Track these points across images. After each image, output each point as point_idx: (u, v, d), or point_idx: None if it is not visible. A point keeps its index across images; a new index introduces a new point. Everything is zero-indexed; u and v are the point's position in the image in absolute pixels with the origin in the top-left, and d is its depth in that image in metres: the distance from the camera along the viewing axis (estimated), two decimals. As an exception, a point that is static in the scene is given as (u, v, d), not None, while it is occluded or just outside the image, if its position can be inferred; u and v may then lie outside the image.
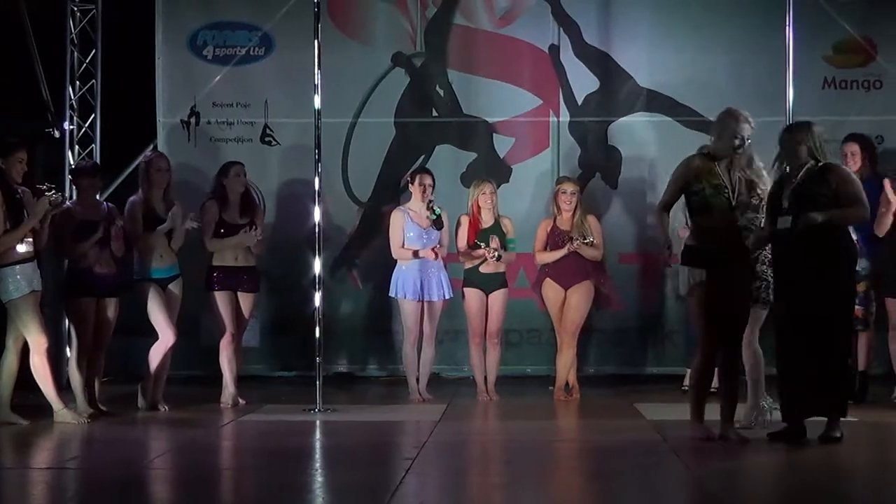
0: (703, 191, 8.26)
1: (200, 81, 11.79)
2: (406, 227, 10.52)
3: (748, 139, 8.29)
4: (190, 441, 8.79)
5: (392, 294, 10.60)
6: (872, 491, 7.15)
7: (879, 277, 10.08)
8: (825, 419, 8.24)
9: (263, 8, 11.74)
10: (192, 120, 11.82)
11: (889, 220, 9.91)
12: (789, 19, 9.79)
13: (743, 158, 8.32)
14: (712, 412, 8.41)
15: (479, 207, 10.56)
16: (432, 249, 10.43)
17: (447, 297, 10.57)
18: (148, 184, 9.97)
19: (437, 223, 10.49)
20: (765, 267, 8.61)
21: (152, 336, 9.90)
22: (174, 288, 9.95)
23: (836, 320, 8.20)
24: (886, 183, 9.86)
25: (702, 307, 8.27)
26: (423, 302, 10.50)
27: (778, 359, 8.32)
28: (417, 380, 10.57)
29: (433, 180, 10.64)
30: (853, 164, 10.05)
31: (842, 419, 8.25)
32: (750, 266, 8.44)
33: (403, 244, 10.53)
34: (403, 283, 10.48)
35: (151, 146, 11.52)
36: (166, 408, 9.92)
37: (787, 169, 8.35)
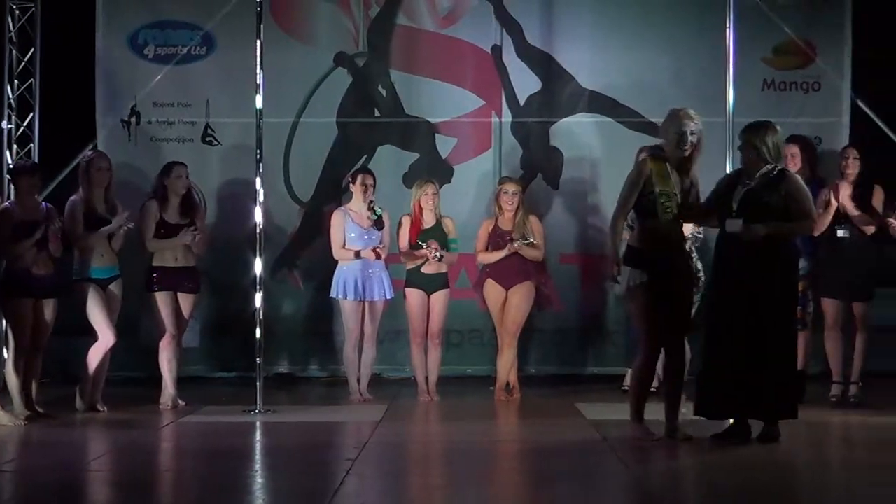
0: (652, 194, 8.27)
1: (141, 80, 11.71)
2: (347, 228, 10.50)
3: (694, 136, 8.31)
4: (129, 443, 8.74)
5: (333, 295, 10.58)
6: (811, 490, 7.22)
7: (816, 277, 10.17)
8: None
9: (205, 7, 11.67)
10: (133, 119, 11.74)
11: (827, 221, 10.00)
12: (730, 21, 9.84)
13: (695, 161, 8.35)
14: (655, 413, 8.47)
15: (421, 208, 10.56)
16: (373, 250, 10.41)
17: (388, 297, 10.56)
18: (88, 183, 9.90)
19: (378, 223, 10.48)
20: None
21: (91, 337, 9.83)
22: (114, 288, 9.88)
23: (779, 323, 8.24)
24: (835, 187, 9.92)
25: (644, 309, 8.30)
26: (363, 302, 10.48)
27: (706, 356, 8.35)
28: (358, 380, 10.56)
29: (374, 180, 10.63)
30: (793, 165, 10.12)
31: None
32: (692, 270, 8.47)
33: (344, 244, 10.51)
34: (344, 284, 10.46)
35: (91, 145, 11.41)
36: (105, 409, 9.85)
37: (742, 169, 8.40)
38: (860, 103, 11.70)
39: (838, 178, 10.19)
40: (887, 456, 8.08)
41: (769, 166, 8.28)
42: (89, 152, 10.55)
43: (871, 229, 9.95)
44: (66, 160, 11.41)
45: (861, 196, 9.95)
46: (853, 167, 10.08)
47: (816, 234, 10.03)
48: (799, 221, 8.31)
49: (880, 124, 11.65)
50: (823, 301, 10.13)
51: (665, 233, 8.31)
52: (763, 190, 8.27)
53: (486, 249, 10.59)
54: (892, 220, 9.87)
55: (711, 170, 8.83)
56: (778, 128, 8.43)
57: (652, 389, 9.42)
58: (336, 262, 10.56)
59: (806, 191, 8.40)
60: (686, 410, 8.53)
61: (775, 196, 8.23)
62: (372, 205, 10.48)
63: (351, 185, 10.69)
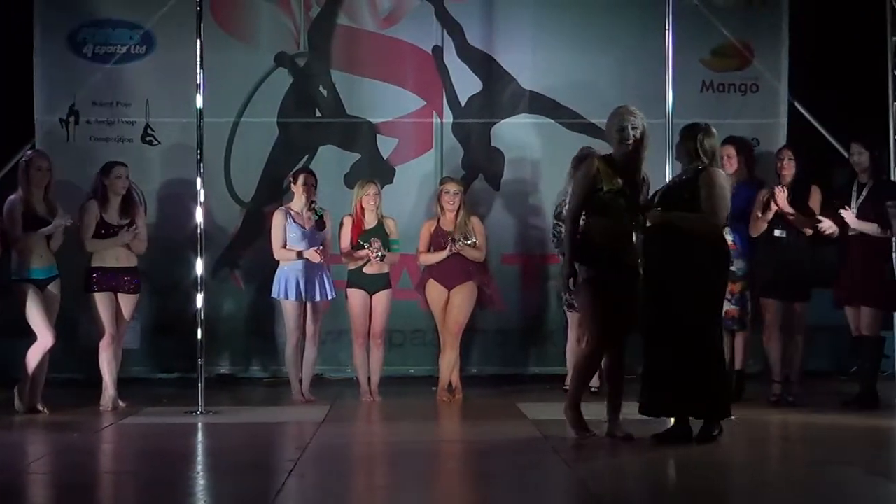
0: (601, 191, 8.31)
1: (80, 80, 11.63)
2: (288, 228, 10.48)
3: (636, 130, 8.35)
4: (69, 445, 8.67)
5: (274, 295, 10.56)
6: (750, 488, 7.28)
7: (754, 278, 10.27)
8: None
9: (144, 6, 11.59)
10: (72, 119, 11.65)
11: (764, 224, 10.10)
12: (669, 23, 9.92)
13: (640, 159, 8.40)
14: (596, 412, 8.52)
15: (362, 208, 10.55)
16: (316, 251, 10.39)
17: (330, 297, 10.55)
18: (27, 183, 9.82)
19: (320, 224, 10.47)
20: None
21: (30, 338, 9.74)
22: (53, 289, 9.81)
23: (703, 324, 8.28)
24: (772, 191, 10.01)
25: (592, 304, 8.34)
26: (305, 303, 10.47)
27: (644, 356, 8.41)
28: (300, 381, 10.54)
29: (316, 180, 10.61)
30: (730, 166, 10.23)
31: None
32: (639, 268, 8.51)
33: (285, 245, 10.49)
34: (286, 284, 10.43)
35: (30, 145, 11.33)
36: (45, 411, 9.77)
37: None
38: (797, 105, 11.83)
39: (775, 179, 10.29)
40: (824, 453, 8.18)
41: (696, 164, 8.36)
42: (28, 152, 10.47)
43: (809, 231, 10.06)
44: (4, 160, 11.31)
45: (798, 198, 10.04)
46: (788, 168, 10.17)
47: (755, 235, 10.16)
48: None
49: (817, 126, 11.78)
50: (762, 301, 10.23)
51: (613, 229, 8.35)
52: (680, 186, 8.37)
53: (429, 250, 10.61)
54: (821, 222, 9.98)
55: (651, 170, 8.89)
56: (714, 130, 8.49)
57: (593, 389, 9.51)
58: (278, 263, 10.54)
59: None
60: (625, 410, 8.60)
61: (687, 192, 8.29)
62: (313, 205, 10.46)
63: (292, 185, 10.67)
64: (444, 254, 10.47)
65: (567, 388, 10.33)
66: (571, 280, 8.38)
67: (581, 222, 8.44)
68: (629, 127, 8.36)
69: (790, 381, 10.18)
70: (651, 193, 8.50)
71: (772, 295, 10.17)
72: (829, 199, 10.14)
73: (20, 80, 11.60)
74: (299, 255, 10.39)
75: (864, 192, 10.02)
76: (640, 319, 8.40)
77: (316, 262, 10.39)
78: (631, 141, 8.36)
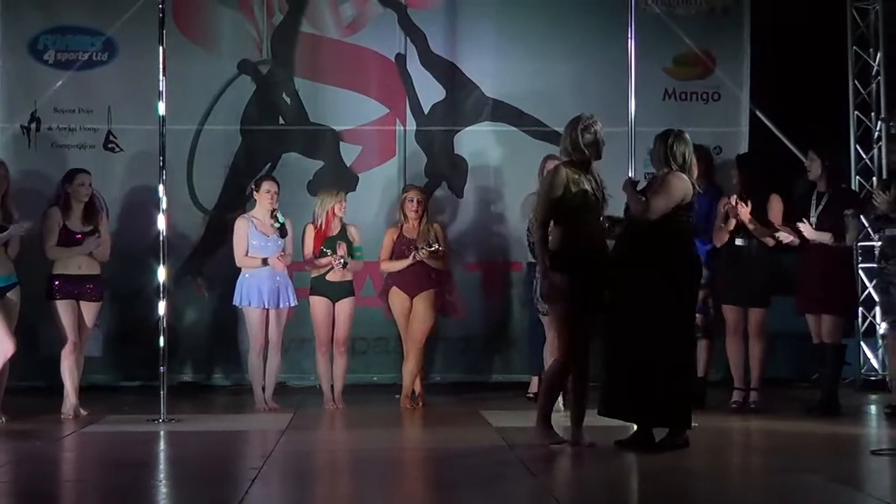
0: (573, 198, 8.29)
1: (41, 86, 11.57)
2: (251, 236, 10.45)
3: (595, 134, 8.38)
4: (29, 453, 8.60)
5: (236, 302, 10.52)
6: (711, 495, 7.31)
7: (716, 286, 10.31)
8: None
9: (106, 12, 11.55)
10: (33, 125, 11.59)
11: (727, 234, 10.16)
12: (631, 31, 9.96)
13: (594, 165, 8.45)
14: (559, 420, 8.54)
15: (333, 215, 10.49)
16: (279, 258, 10.36)
17: (292, 304, 10.53)
18: (-17, 191, 9.78)
19: (282, 231, 10.44)
20: None
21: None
22: (12, 296, 9.74)
23: (669, 331, 8.28)
24: (739, 205, 10.06)
25: (566, 314, 8.31)
26: (267, 310, 10.44)
27: (606, 359, 8.41)
28: (263, 388, 10.51)
29: (279, 187, 10.58)
30: (691, 174, 10.26)
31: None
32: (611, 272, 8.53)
33: (248, 252, 10.46)
34: (248, 291, 10.41)
35: (-10, 152, 11.29)
36: (4, 419, 9.70)
37: None
38: (759, 113, 11.90)
39: (733, 187, 10.36)
40: (787, 461, 8.22)
41: (665, 170, 8.40)
42: (-16, 159, 10.41)
43: (770, 241, 10.12)
44: (-36, 167, 11.22)
45: (759, 207, 10.10)
46: (735, 176, 10.28)
47: (719, 245, 10.20)
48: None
49: (778, 134, 11.85)
50: (724, 308, 10.28)
51: (589, 234, 8.36)
52: (644, 189, 8.42)
53: (391, 257, 10.60)
54: (780, 233, 10.04)
55: (614, 178, 8.92)
56: (686, 136, 8.52)
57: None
58: (240, 270, 10.51)
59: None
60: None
61: (648, 194, 8.37)
62: (275, 212, 10.44)
63: (255, 192, 10.64)
64: (406, 262, 10.47)
65: (530, 395, 10.36)
66: (549, 286, 8.35)
67: (551, 230, 8.42)
68: (597, 131, 8.39)
69: (752, 389, 10.23)
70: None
71: (733, 301, 10.23)
72: (791, 208, 10.20)
73: (-19, 87, 11.55)
74: (264, 262, 10.36)
75: (823, 201, 10.09)
76: (606, 323, 8.41)
77: (280, 269, 10.37)
78: (593, 146, 8.38)
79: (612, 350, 8.38)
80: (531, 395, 10.57)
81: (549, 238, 8.37)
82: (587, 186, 8.32)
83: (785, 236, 10.03)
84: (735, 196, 10.14)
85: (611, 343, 8.39)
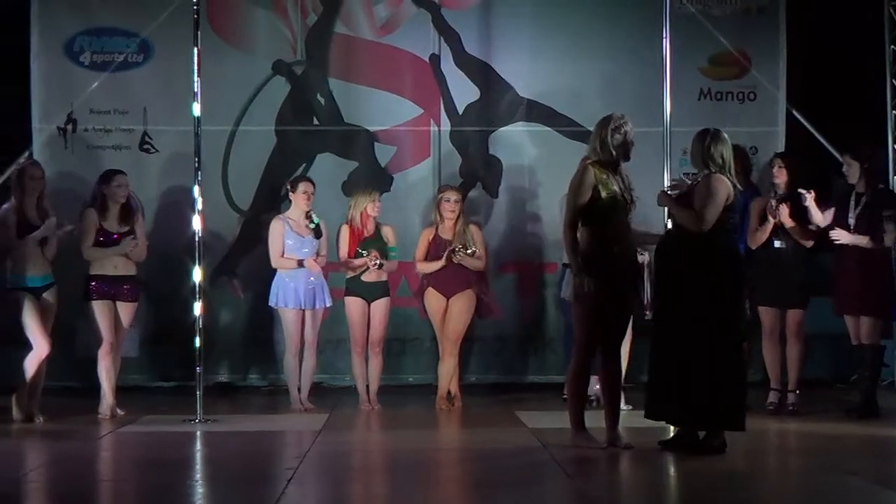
0: (602, 200, 8.26)
1: (77, 88, 11.62)
2: (286, 236, 10.47)
3: (625, 135, 8.35)
4: (67, 453, 8.65)
5: (272, 303, 10.54)
6: (750, 498, 7.27)
7: (753, 287, 10.25)
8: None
9: (142, 14, 11.59)
10: (69, 127, 11.64)
11: (764, 236, 10.10)
12: (666, 31, 9.93)
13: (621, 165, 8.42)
14: (596, 420, 8.52)
15: (367, 216, 10.50)
16: (315, 260, 10.37)
17: (327, 305, 10.54)
18: (21, 191, 9.82)
19: (317, 232, 10.45)
20: None
21: (26, 346, 9.72)
22: (49, 296, 9.79)
23: (723, 333, 8.23)
24: (781, 207, 10.01)
25: (589, 316, 8.28)
26: (303, 311, 10.45)
27: (652, 362, 8.38)
28: (299, 389, 10.52)
29: (314, 188, 10.59)
30: (726, 174, 10.20)
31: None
32: (639, 274, 8.50)
33: (283, 253, 10.47)
34: (284, 292, 10.42)
35: (27, 153, 11.34)
36: (42, 419, 9.75)
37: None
38: (795, 113, 11.84)
39: (769, 187, 10.31)
40: (822, 462, 8.18)
41: (705, 171, 8.35)
42: (23, 161, 10.47)
43: (809, 243, 10.06)
44: (1, 169, 11.29)
45: (798, 209, 10.04)
46: (780, 175, 10.19)
47: (754, 247, 10.14)
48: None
49: (815, 133, 11.79)
50: (761, 310, 10.23)
51: (616, 235, 8.32)
52: (690, 192, 8.37)
53: (426, 258, 10.59)
54: (833, 232, 9.98)
55: (649, 178, 8.89)
56: (724, 136, 8.44)
57: (591, 397, 9.47)
58: (275, 271, 10.52)
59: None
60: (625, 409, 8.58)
61: (692, 193, 8.33)
62: (310, 213, 10.45)
63: (290, 193, 10.65)
64: (440, 262, 10.45)
65: (566, 396, 10.33)
66: (577, 286, 8.33)
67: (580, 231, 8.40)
68: (629, 133, 8.36)
69: (789, 391, 10.17)
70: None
71: (769, 303, 10.18)
72: (828, 208, 10.12)
73: (18, 88, 11.59)
74: (299, 263, 10.37)
75: (862, 203, 10.02)
76: (652, 326, 8.37)
77: (315, 271, 10.38)
78: (631, 148, 8.36)
79: (659, 353, 8.32)
80: (567, 396, 10.52)
81: (578, 239, 8.35)
82: (615, 187, 8.28)
83: (837, 234, 9.93)
84: (776, 198, 10.06)
85: (657, 346, 8.34)
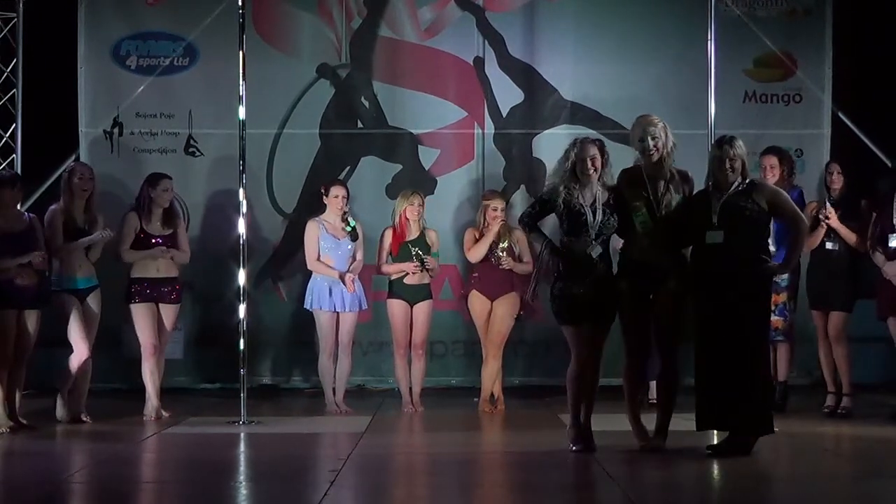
0: (626, 206, 8.35)
1: (124, 91, 11.69)
2: (321, 238, 10.48)
3: (657, 141, 8.33)
4: (112, 454, 8.70)
5: (307, 306, 10.55)
6: (795, 501, 7.23)
7: (797, 289, 10.19)
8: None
9: (187, 18, 11.65)
10: (116, 130, 11.72)
11: (817, 240, 10.04)
12: (711, 33, 9.90)
13: (666, 168, 8.39)
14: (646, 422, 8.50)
15: (406, 219, 10.53)
16: (350, 280, 10.34)
17: (363, 307, 10.55)
18: (69, 194, 9.89)
19: (353, 235, 10.46)
20: None
21: (71, 347, 9.78)
22: (92, 299, 9.86)
23: (756, 338, 8.25)
24: (830, 212, 9.96)
25: (623, 317, 8.39)
26: (337, 313, 10.45)
27: (696, 369, 8.37)
28: (334, 391, 10.53)
29: (347, 192, 10.58)
30: (771, 176, 10.14)
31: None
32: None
33: (318, 255, 10.49)
34: (318, 295, 10.44)
35: (74, 156, 11.42)
36: (88, 420, 9.82)
37: (712, 183, 8.40)
38: (841, 115, 11.76)
39: (824, 193, 10.26)
40: (871, 466, 8.13)
41: (739, 179, 8.30)
42: (72, 163, 10.54)
43: (862, 247, 9.97)
44: (48, 172, 11.37)
45: (849, 212, 9.98)
46: (837, 182, 10.14)
47: (808, 250, 10.06)
48: (796, 228, 8.34)
49: (861, 136, 11.70)
50: (813, 313, 10.18)
51: (641, 241, 8.36)
52: (738, 199, 8.29)
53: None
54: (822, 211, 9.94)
55: (694, 181, 8.83)
56: (739, 141, 8.39)
57: (652, 401, 9.40)
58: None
59: (784, 194, 8.46)
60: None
61: (750, 204, 8.26)
62: (346, 216, 10.46)
63: (324, 196, 10.66)
64: (487, 241, 10.41)
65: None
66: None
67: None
68: (649, 138, 8.36)
69: (844, 394, 10.09)
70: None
71: (818, 306, 10.13)
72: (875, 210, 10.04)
73: (65, 92, 11.69)
74: (341, 277, 10.36)
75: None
76: (695, 333, 8.36)
77: (350, 291, 10.35)
78: (653, 152, 8.35)
79: (706, 360, 8.29)
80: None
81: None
82: (648, 195, 8.35)
83: (833, 216, 9.89)
84: (826, 203, 10.02)
85: (706, 356, 8.30)
